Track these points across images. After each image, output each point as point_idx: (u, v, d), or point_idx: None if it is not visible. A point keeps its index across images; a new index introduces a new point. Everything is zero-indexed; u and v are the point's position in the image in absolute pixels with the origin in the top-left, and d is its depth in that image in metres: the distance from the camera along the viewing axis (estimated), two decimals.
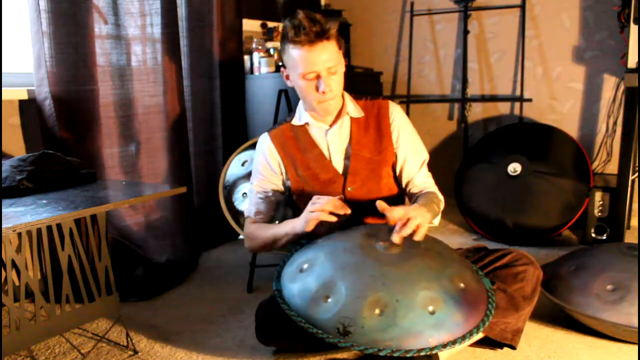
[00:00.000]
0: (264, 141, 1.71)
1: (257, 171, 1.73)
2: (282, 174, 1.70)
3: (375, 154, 1.65)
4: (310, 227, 1.48)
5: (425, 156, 1.72)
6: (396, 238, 1.37)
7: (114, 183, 1.75)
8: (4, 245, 1.33)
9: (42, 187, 1.55)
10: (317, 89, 1.53)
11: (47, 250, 1.44)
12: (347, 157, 1.66)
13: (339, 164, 1.66)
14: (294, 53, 1.51)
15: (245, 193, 2.21)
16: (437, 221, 1.68)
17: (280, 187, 1.72)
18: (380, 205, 1.43)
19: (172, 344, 1.67)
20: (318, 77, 1.52)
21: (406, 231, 1.36)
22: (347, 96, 1.67)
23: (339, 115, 1.64)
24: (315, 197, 1.50)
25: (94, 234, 1.55)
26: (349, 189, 1.64)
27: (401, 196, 1.73)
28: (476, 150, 2.87)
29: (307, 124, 1.67)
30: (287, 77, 1.61)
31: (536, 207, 2.57)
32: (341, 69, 1.56)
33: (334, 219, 1.45)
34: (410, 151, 1.68)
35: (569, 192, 2.54)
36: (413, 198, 1.67)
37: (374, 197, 1.60)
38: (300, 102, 1.69)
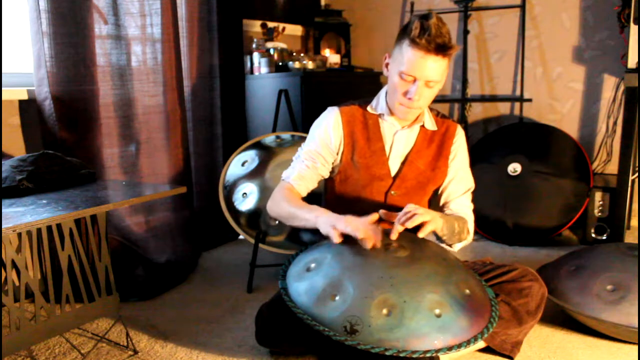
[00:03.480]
0: (332, 114, 1.66)
1: (313, 139, 1.68)
2: (337, 153, 1.67)
3: (428, 169, 1.66)
4: (325, 234, 1.44)
5: (471, 185, 1.72)
6: (394, 233, 1.37)
7: (114, 183, 1.75)
8: (4, 245, 1.33)
9: (42, 187, 1.54)
10: (406, 93, 1.52)
11: (47, 250, 1.44)
12: (403, 162, 1.65)
13: (394, 166, 1.65)
14: (406, 50, 1.48)
15: (245, 193, 2.21)
16: (457, 247, 1.67)
17: (329, 166, 1.69)
18: (383, 212, 1.44)
19: (172, 344, 1.67)
20: (414, 81, 1.50)
21: (409, 224, 1.36)
22: (426, 108, 1.66)
23: (414, 121, 1.64)
24: (350, 217, 1.41)
25: (94, 234, 1.55)
26: (392, 192, 1.64)
27: None
28: (476, 150, 2.87)
29: (381, 115, 1.65)
30: (387, 65, 1.59)
31: (536, 207, 2.57)
32: (438, 87, 1.54)
33: (339, 240, 1.39)
34: (458, 176, 1.69)
35: (569, 192, 2.54)
36: None
37: None
38: (383, 91, 1.67)
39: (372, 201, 1.64)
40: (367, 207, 1.61)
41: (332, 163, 1.69)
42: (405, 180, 1.64)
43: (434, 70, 1.47)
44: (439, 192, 1.71)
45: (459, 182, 1.69)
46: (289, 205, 1.58)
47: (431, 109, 1.71)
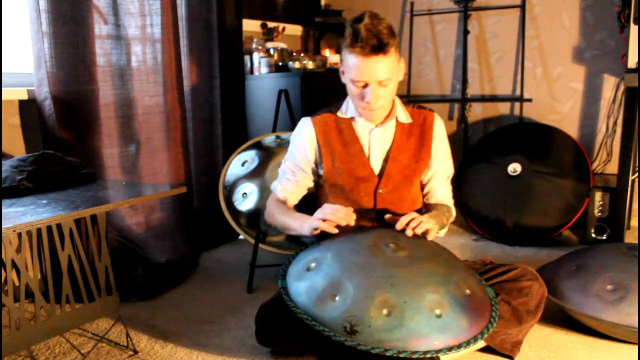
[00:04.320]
0: (306, 126, 1.69)
1: (292, 153, 1.73)
2: (316, 161, 1.70)
3: (412, 162, 1.67)
4: (315, 233, 1.51)
5: (451, 171, 1.76)
6: (409, 232, 1.45)
7: (114, 183, 1.75)
8: (4, 245, 1.33)
9: (42, 187, 1.54)
10: (362, 97, 1.53)
11: (47, 250, 1.44)
12: (385, 159, 1.66)
13: (376, 165, 1.66)
14: (348, 58, 1.50)
15: (245, 193, 2.21)
16: (442, 232, 1.71)
17: (310, 176, 1.73)
18: (388, 217, 1.53)
19: (172, 344, 1.67)
20: (366, 86, 1.51)
21: (418, 230, 1.45)
22: (397, 101, 1.67)
23: (386, 118, 1.65)
24: (326, 205, 1.53)
25: (94, 234, 1.55)
26: (380, 190, 1.65)
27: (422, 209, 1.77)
28: (476, 150, 2.87)
29: (353, 118, 1.67)
30: (343, 72, 1.61)
31: (536, 207, 2.57)
32: (394, 82, 1.55)
33: (335, 231, 1.46)
34: (441, 166, 1.72)
35: (569, 192, 2.54)
36: (427, 207, 1.73)
37: (403, 203, 1.65)
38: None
39: (363, 203, 1.66)
40: (360, 210, 1.64)
41: (314, 173, 1.73)
42: (391, 177, 1.65)
43: (380, 70, 1.48)
44: (423, 182, 1.74)
45: (442, 172, 1.73)
46: (280, 216, 1.68)
47: (407, 102, 1.72)
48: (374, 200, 1.65)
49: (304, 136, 1.69)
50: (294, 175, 1.72)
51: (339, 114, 1.68)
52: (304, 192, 1.77)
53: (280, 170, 1.77)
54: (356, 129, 1.66)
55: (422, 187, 1.74)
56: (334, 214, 1.46)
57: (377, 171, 1.65)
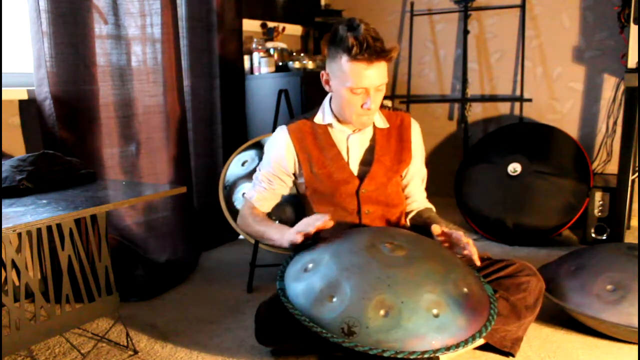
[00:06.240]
0: (282, 135, 1.70)
1: (268, 162, 1.74)
2: (295, 170, 1.71)
3: (395, 163, 1.69)
4: (294, 245, 1.52)
5: (425, 172, 1.82)
6: (478, 262, 1.45)
7: (114, 183, 1.75)
8: (4, 245, 1.33)
9: (42, 187, 1.54)
10: (362, 104, 1.54)
11: (47, 250, 1.44)
12: (365, 162, 1.68)
13: (355, 168, 1.68)
14: (346, 65, 1.49)
15: (245, 193, 2.20)
16: None
17: (288, 184, 1.75)
18: (436, 230, 1.51)
19: (172, 344, 1.67)
20: (366, 92, 1.52)
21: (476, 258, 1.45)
22: None
23: None
24: (302, 220, 1.54)
25: (94, 234, 1.55)
26: (363, 190, 1.67)
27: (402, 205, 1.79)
28: (476, 150, 2.87)
29: (329, 125, 1.68)
30: (327, 82, 1.60)
31: (536, 207, 2.57)
32: (385, 86, 1.56)
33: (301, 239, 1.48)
34: (418, 169, 1.76)
35: (569, 192, 2.54)
36: (415, 212, 1.78)
37: (386, 199, 1.68)
38: (326, 102, 1.69)
39: (347, 204, 1.68)
40: (346, 210, 1.67)
41: (293, 181, 1.75)
42: (374, 178, 1.67)
43: (380, 75, 1.51)
44: (403, 185, 1.78)
45: (419, 174, 1.78)
46: (257, 226, 1.69)
47: (381, 106, 1.73)
48: (358, 200, 1.67)
49: (281, 145, 1.70)
50: (270, 183, 1.74)
51: (315, 120, 1.69)
52: (278, 199, 1.80)
53: (254, 177, 1.79)
54: (333, 135, 1.68)
55: (402, 188, 1.79)
56: (306, 227, 1.48)
57: (356, 173, 1.67)
